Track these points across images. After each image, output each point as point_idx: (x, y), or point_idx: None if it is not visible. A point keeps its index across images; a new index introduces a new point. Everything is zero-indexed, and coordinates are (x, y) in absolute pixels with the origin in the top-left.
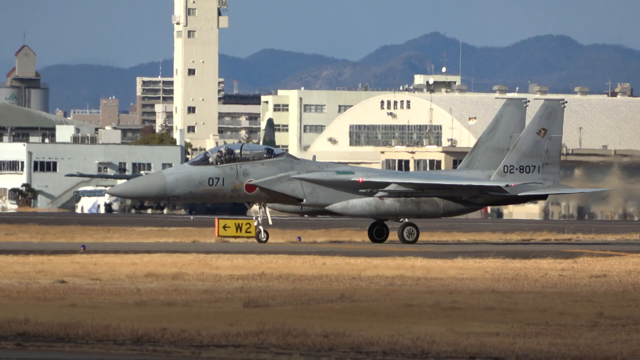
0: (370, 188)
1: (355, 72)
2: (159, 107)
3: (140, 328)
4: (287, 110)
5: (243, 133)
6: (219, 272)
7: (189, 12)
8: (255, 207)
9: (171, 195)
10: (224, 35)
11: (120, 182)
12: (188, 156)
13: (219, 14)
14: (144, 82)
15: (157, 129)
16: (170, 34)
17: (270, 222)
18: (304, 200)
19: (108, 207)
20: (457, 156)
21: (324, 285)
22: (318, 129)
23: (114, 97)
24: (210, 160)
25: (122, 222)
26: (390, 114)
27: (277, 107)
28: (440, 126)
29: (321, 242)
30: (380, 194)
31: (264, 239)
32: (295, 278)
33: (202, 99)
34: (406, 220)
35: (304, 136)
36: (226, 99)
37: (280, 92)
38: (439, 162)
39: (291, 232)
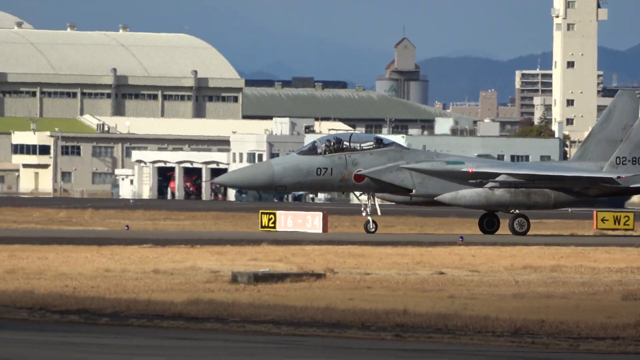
0: (480, 178)
1: None
2: (537, 100)
3: (518, 320)
4: None
5: None
6: (597, 264)
7: (568, 5)
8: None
9: (279, 184)
10: (603, 27)
11: None
12: (566, 149)
13: (598, 6)
14: (522, 75)
15: (536, 121)
16: (549, 27)
17: (379, 212)
18: (414, 191)
19: None
20: None
21: None
22: None
23: (492, 90)
24: (319, 150)
25: None
26: None
27: None
28: None
29: None
30: (490, 184)
31: (373, 230)
32: None
33: (581, 92)
34: (517, 211)
35: None
36: (605, 92)
37: None
38: None
39: None
